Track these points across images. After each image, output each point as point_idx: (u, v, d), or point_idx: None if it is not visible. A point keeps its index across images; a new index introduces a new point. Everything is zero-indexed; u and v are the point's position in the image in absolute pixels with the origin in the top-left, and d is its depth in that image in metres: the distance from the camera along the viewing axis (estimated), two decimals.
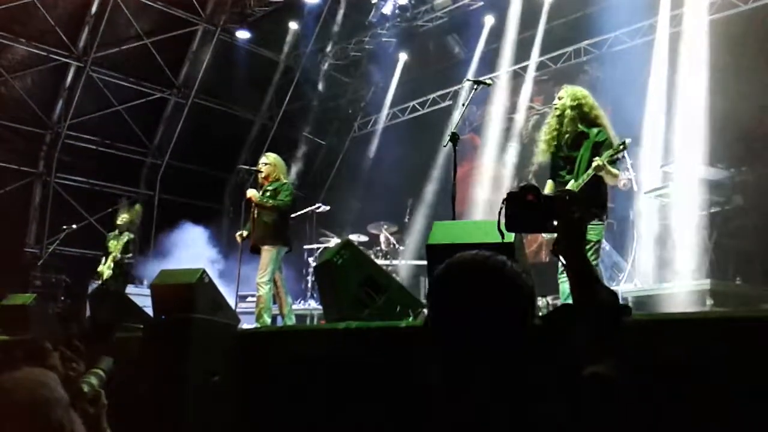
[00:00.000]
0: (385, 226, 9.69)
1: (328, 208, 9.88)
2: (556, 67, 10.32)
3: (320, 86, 12.97)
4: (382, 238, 9.64)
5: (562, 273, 4.61)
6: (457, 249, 3.93)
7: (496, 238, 3.89)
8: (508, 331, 1.39)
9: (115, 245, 8.45)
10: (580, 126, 4.90)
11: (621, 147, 4.70)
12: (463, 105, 5.18)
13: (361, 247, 6.69)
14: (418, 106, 12.38)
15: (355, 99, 13.79)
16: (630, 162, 7.22)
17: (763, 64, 6.93)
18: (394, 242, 9.47)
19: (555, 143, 5.02)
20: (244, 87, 12.56)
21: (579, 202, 1.61)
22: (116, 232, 8.61)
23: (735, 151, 7.08)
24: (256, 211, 6.59)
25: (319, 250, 9.52)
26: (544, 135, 5.13)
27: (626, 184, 5.10)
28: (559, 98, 5.05)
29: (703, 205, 6.65)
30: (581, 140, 4.89)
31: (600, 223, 4.79)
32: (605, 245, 6.95)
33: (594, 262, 4.56)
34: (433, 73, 12.09)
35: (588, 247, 4.55)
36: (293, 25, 12.22)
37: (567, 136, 4.95)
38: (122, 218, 8.70)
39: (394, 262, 9.13)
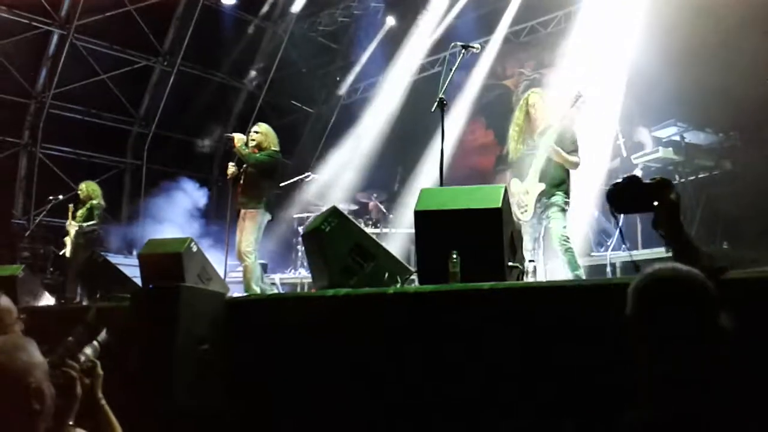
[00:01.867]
0: (375, 195, 9.68)
1: (317, 176, 9.84)
2: (547, 32, 10.23)
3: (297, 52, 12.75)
4: (371, 206, 9.63)
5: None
6: (445, 215, 3.96)
7: (483, 204, 3.92)
8: (705, 328, 1.62)
9: (79, 213, 8.43)
10: (545, 120, 5.39)
11: (578, 97, 5.27)
12: (451, 70, 5.12)
13: (350, 216, 6.68)
14: None
15: (344, 66, 13.64)
16: (618, 128, 7.21)
17: (752, 30, 6.87)
18: (384, 210, 9.46)
19: (523, 137, 5.47)
20: (231, 54, 12.39)
21: (672, 186, 1.97)
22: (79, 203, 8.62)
23: (724, 116, 7.07)
24: (242, 177, 6.52)
25: (308, 219, 9.49)
26: (513, 131, 5.53)
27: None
28: (537, 103, 5.48)
29: (692, 170, 6.67)
30: (546, 130, 5.36)
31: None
32: (594, 211, 6.97)
33: (564, 230, 5.15)
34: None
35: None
36: None
37: (538, 129, 5.42)
38: (81, 191, 8.65)
39: (384, 230, 9.13)
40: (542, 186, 5.26)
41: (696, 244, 1.97)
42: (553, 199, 5.25)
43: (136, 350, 3.74)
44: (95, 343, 2.37)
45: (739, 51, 6.92)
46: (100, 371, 2.23)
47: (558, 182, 5.29)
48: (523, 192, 5.37)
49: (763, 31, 6.63)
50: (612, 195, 2.03)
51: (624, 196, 2.02)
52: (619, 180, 2.05)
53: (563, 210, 5.24)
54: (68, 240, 8.38)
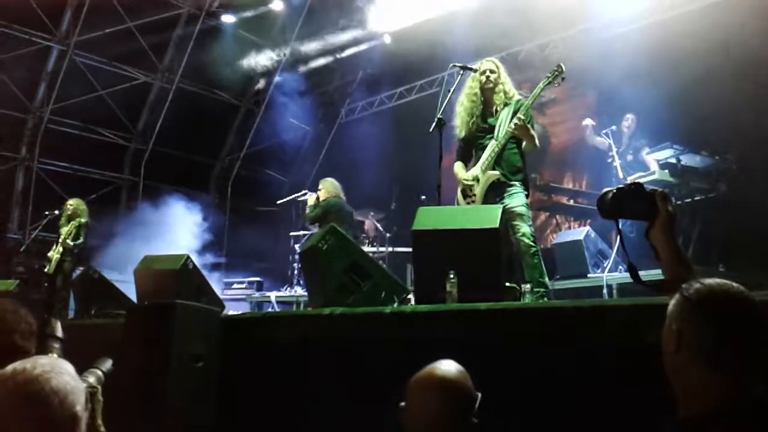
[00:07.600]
0: (372, 213, 9.67)
1: (315, 195, 9.82)
2: (543, 54, 10.30)
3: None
4: (368, 225, 9.61)
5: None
6: (442, 235, 3.95)
7: (480, 224, 3.92)
8: None
9: (66, 231, 8.37)
10: (504, 98, 5.10)
11: (557, 72, 4.97)
12: (449, 91, 5.13)
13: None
14: (405, 93, 12.33)
15: (342, 85, 13.70)
16: (616, 149, 7.24)
17: (750, 56, 6.94)
18: (381, 229, 9.45)
19: (478, 114, 5.10)
20: (230, 72, 12.44)
21: (671, 200, 1.98)
22: (65, 220, 8.54)
23: (720, 139, 7.12)
24: None
25: (305, 237, 9.47)
26: (465, 109, 5.15)
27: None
28: (492, 72, 5.14)
29: (688, 193, 6.69)
30: (503, 108, 5.06)
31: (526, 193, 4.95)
32: (591, 232, 6.97)
33: (531, 229, 4.74)
34: (421, 59, 12.00)
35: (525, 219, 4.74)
36: (277, 6, 11.95)
37: (493, 107, 5.08)
38: (68, 208, 8.58)
39: (381, 248, 9.11)
40: (496, 174, 4.88)
41: (688, 259, 1.97)
42: (513, 192, 4.83)
43: (130, 367, 3.71)
44: (99, 372, 2.43)
45: (735, 75, 6.99)
46: (101, 398, 2.27)
47: (515, 170, 4.91)
48: (470, 179, 5.00)
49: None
50: (613, 199, 1.99)
51: (625, 201, 1.99)
52: (621, 186, 2.03)
53: (527, 206, 4.81)
54: (53, 256, 8.33)
